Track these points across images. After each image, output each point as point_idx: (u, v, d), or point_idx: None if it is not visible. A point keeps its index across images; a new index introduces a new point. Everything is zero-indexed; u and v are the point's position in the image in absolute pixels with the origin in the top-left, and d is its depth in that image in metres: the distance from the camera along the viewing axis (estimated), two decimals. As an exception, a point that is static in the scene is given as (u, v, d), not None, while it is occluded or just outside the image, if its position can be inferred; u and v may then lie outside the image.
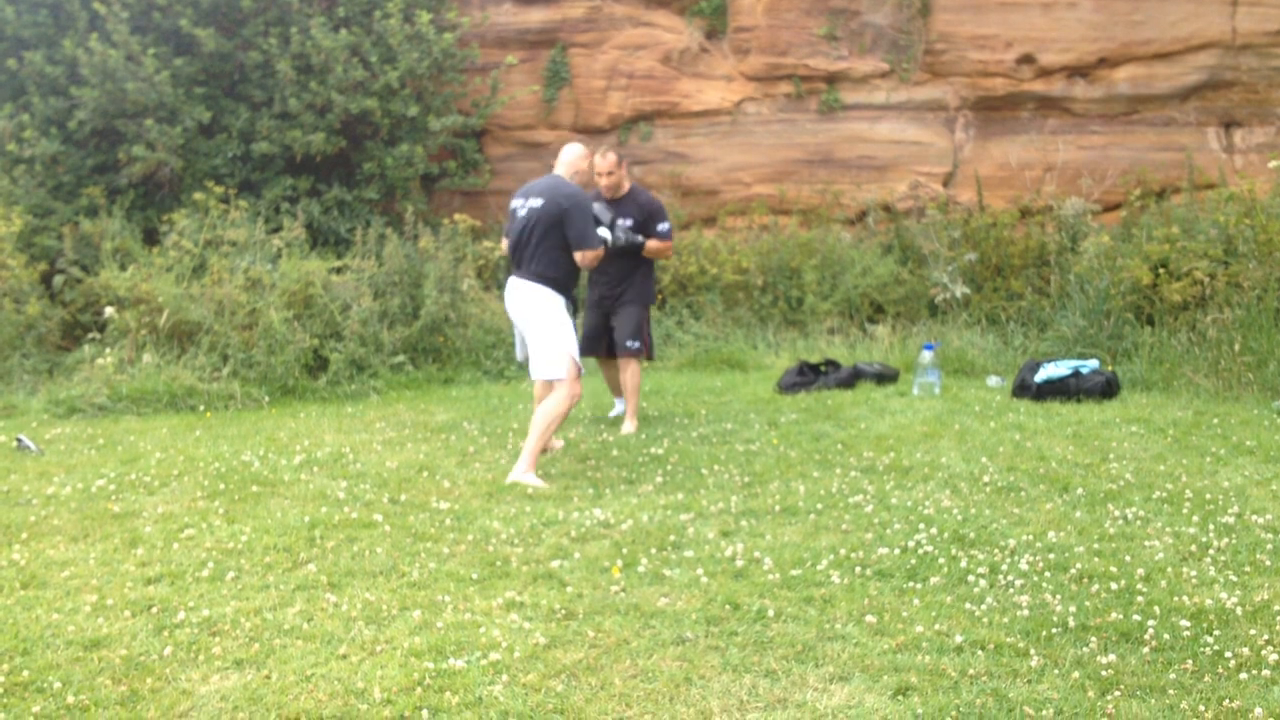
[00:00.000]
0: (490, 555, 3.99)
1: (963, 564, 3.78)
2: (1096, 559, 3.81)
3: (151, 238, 9.29)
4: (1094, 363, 7.17)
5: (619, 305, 6.54)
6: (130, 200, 9.47)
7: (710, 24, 10.83)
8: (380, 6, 9.90)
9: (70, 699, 2.84)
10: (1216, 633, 3.15)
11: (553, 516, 4.47)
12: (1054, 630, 3.19)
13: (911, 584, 3.62)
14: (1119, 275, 8.24)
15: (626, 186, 6.48)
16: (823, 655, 3.06)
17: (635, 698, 2.82)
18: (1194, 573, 3.67)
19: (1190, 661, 2.97)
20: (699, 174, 10.70)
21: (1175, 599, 3.41)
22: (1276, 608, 3.32)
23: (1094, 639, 3.12)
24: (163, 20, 9.58)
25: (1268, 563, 3.76)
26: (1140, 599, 3.41)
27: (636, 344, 6.49)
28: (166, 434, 6.46)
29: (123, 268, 8.43)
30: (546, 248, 5.33)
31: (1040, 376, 7.00)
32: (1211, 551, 3.89)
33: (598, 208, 5.57)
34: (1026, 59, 10.22)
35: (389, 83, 9.72)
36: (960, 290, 9.27)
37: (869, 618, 3.31)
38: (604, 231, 5.50)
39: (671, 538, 4.17)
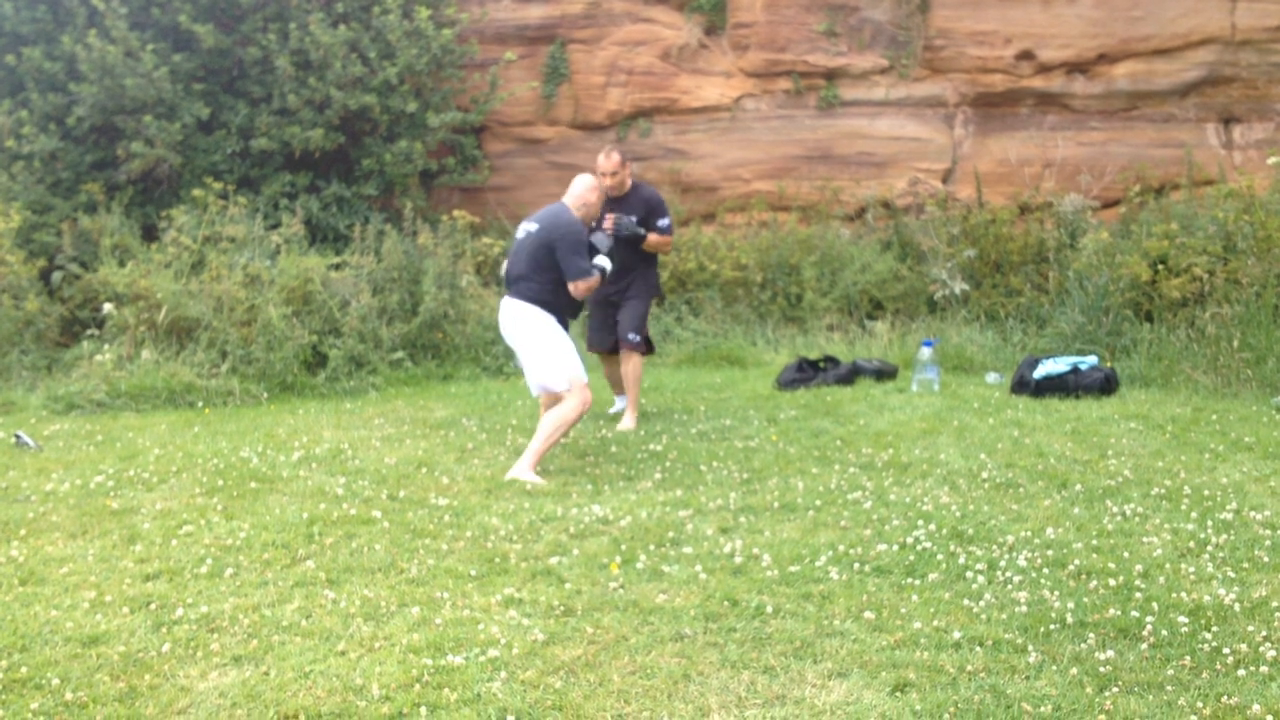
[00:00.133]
0: (489, 552, 3.99)
1: (961, 560, 3.78)
2: (1095, 555, 3.82)
3: (150, 234, 9.27)
4: (1093, 359, 7.17)
5: (625, 299, 6.56)
6: (129, 196, 9.46)
7: (709, 20, 10.81)
8: (379, 2, 9.87)
9: (69, 695, 2.84)
10: (1214, 629, 3.15)
11: (551, 513, 4.47)
12: (1052, 626, 3.19)
13: (910, 580, 3.62)
14: (1118, 272, 8.24)
15: (629, 184, 6.51)
16: (821, 651, 3.06)
17: (634, 694, 2.83)
18: (1192, 569, 3.67)
19: (1188, 658, 2.97)
20: (698, 170, 10.69)
21: (1173, 595, 3.41)
22: (1274, 604, 3.32)
23: (1092, 635, 3.12)
24: (161, 16, 9.56)
25: (1266, 559, 3.76)
26: (1138, 595, 3.41)
27: (637, 337, 6.50)
28: (165, 430, 6.46)
29: (121, 264, 8.42)
30: (537, 272, 5.39)
31: (1039, 373, 7.00)
32: (1210, 548, 3.89)
33: (597, 237, 5.60)
34: (1026, 55, 10.20)
35: (388, 79, 9.71)
36: (959, 287, 9.27)
37: (867, 614, 3.31)
38: (603, 260, 5.53)
39: (670, 534, 4.17)
